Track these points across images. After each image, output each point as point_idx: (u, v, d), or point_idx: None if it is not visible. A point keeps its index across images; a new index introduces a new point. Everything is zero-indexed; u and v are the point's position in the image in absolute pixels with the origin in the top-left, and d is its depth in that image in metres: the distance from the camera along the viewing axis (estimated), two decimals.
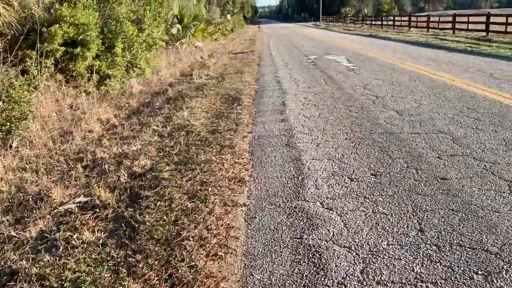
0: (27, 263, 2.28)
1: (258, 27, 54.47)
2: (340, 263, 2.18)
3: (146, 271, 2.16)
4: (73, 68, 7.01)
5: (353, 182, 3.23)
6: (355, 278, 2.06)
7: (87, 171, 3.83)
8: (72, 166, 3.90)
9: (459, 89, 6.64)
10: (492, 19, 18.73)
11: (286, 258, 2.26)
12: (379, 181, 3.23)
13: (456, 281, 1.99)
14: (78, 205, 3.08)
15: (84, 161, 4.07)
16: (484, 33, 19.07)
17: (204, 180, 3.36)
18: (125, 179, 3.54)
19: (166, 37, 15.59)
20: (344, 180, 3.29)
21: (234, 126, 5.24)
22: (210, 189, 3.17)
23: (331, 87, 7.60)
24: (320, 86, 7.76)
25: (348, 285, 2.00)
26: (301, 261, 2.23)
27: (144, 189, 3.26)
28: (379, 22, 38.30)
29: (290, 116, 5.61)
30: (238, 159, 3.91)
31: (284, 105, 6.34)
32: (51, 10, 6.74)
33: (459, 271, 2.06)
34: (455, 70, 8.71)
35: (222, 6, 35.36)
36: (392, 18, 36.86)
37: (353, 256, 2.24)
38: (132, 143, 4.59)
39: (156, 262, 2.24)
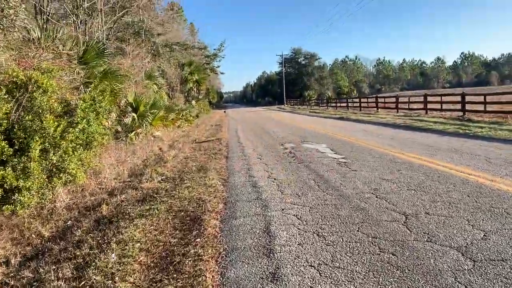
0: None
1: (224, 111, 54.08)
2: None
3: None
4: None
5: None
6: None
7: None
8: None
9: None
10: (467, 98, 18.03)
11: None
12: None
13: None
14: None
15: None
16: (461, 113, 18.26)
17: None
18: None
19: (118, 127, 13.56)
20: None
21: None
22: None
23: (329, 194, 5.52)
24: (314, 193, 5.67)
25: None
26: None
27: None
28: (345, 104, 38.32)
29: (285, 266, 3.35)
30: None
31: (270, 235, 4.11)
32: None
33: None
34: (480, 163, 6.95)
35: (187, 92, 34.42)
36: (357, 99, 36.94)
37: None
38: None
39: None
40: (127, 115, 13.93)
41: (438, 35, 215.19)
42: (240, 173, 7.71)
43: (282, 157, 9.30)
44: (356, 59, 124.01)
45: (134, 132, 13.73)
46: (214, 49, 45.12)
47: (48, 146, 6.72)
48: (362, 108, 32.75)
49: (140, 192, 7.02)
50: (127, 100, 14.31)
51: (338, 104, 39.98)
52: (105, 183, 8.24)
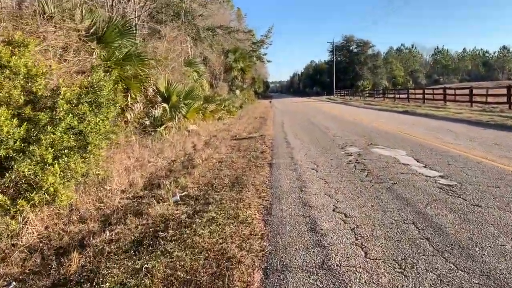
0: None
1: (270, 102, 51.64)
2: None
3: None
4: None
5: None
6: None
7: None
8: None
9: None
10: None
11: None
12: None
13: None
14: None
15: None
16: None
17: None
18: None
19: (145, 120, 11.52)
20: None
21: None
22: None
23: (465, 272, 2.96)
24: (429, 266, 3.12)
25: None
26: None
27: None
28: (404, 95, 34.61)
29: None
30: None
31: None
32: None
33: None
34: None
35: (231, 81, 32.27)
36: (420, 91, 33.14)
37: None
38: None
39: None
40: (156, 106, 11.85)
41: (504, 22, 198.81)
42: (290, 198, 5.26)
43: (348, 170, 6.73)
44: (412, 47, 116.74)
45: (164, 126, 11.62)
46: (261, 36, 42.66)
47: (12, 153, 4.64)
48: (425, 101, 29.10)
49: (144, 223, 4.78)
50: (157, 88, 12.22)
51: (397, 96, 36.29)
52: (109, 198, 6.11)
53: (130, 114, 10.30)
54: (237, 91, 32.91)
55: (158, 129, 11.43)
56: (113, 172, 7.11)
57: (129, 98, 10.17)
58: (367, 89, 48.57)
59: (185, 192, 6.12)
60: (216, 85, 28.81)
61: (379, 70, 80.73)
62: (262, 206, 4.96)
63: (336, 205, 4.75)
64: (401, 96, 36.16)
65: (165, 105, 12.31)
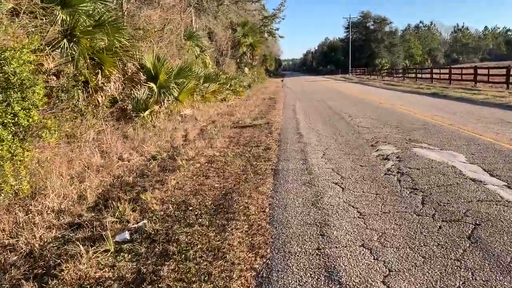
0: None
1: (282, 80, 49.04)
2: None
3: None
4: None
5: None
6: None
7: None
8: None
9: None
10: None
11: None
12: None
13: None
14: None
15: None
16: None
17: None
18: None
19: (126, 104, 9.37)
20: None
21: None
22: None
23: None
24: None
25: None
26: None
27: None
28: (427, 75, 31.82)
29: None
30: None
31: None
32: None
33: None
34: None
35: (239, 58, 29.82)
36: (446, 70, 30.30)
37: None
38: None
39: None
40: (139, 86, 9.67)
41: None
42: (303, 255, 3.07)
43: (390, 189, 4.52)
44: (431, 25, 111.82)
45: (149, 110, 9.47)
46: (273, 9, 39.80)
47: None
48: (451, 81, 26.40)
49: None
50: (142, 64, 10.02)
51: (418, 76, 33.44)
52: (29, 229, 4.06)
53: (102, 97, 8.15)
54: (246, 69, 30.49)
55: (142, 114, 9.29)
56: (54, 181, 5.05)
57: (99, 76, 8.00)
58: (385, 68, 45.55)
59: (142, 223, 4.01)
60: (223, 62, 26.46)
61: (396, 48, 77.00)
62: (253, 274, 2.80)
63: (385, 278, 2.57)
64: (423, 76, 33.35)
65: (151, 84, 10.12)
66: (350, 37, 71.79)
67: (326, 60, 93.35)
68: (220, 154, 7.15)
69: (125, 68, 8.99)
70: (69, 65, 7.54)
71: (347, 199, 4.21)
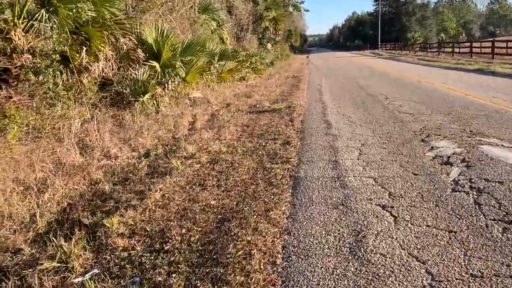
0: None
1: (307, 57, 46.83)
2: None
3: None
4: None
5: None
6: None
7: None
8: None
9: None
10: None
11: None
12: None
13: None
14: None
15: None
16: None
17: None
18: None
19: (121, 87, 7.99)
20: None
21: None
22: None
23: None
24: None
25: None
26: None
27: None
28: (466, 50, 29.20)
29: None
30: None
31: None
32: None
33: None
34: None
35: (261, 34, 27.97)
36: (488, 44, 27.63)
37: None
38: None
39: None
40: (138, 66, 8.25)
41: None
42: None
43: (465, 220, 2.99)
44: None
45: (149, 93, 8.06)
46: None
47: None
48: (494, 56, 23.90)
49: None
50: (141, 40, 8.59)
51: (457, 50, 30.72)
52: None
53: (87, 78, 6.78)
54: (268, 45, 28.64)
55: (141, 98, 7.90)
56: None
57: (83, 54, 6.61)
58: (418, 42, 42.54)
59: (89, 275, 2.64)
60: (243, 38, 24.73)
61: (428, 21, 72.60)
62: None
63: None
64: (461, 50, 30.67)
65: (154, 63, 8.71)
66: (380, 10, 68.09)
67: (354, 35, 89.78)
68: (228, 149, 5.71)
69: (118, 44, 7.55)
70: (48, 41, 6.18)
71: (405, 242, 2.70)
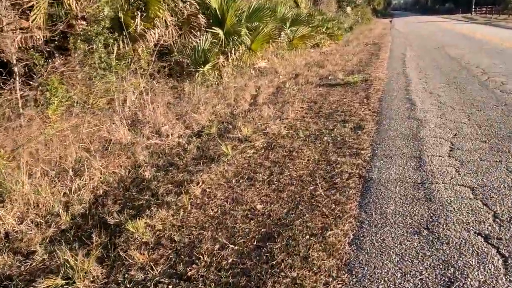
0: None
1: (390, 21, 43.35)
2: None
3: None
4: None
5: None
6: None
7: None
8: None
9: None
10: None
11: None
12: None
13: None
14: None
15: None
16: None
17: None
18: None
19: (181, 57, 7.44)
20: None
21: None
22: None
23: None
24: None
25: None
26: None
27: None
28: None
29: None
30: None
31: None
32: None
33: None
34: None
35: None
36: None
37: None
38: None
39: None
40: (199, 33, 7.63)
41: None
42: None
43: None
44: None
45: (210, 63, 7.47)
46: None
47: None
48: None
49: None
50: (203, 3, 7.93)
51: None
52: None
53: (141, 47, 6.29)
54: (348, 9, 26.65)
55: (201, 68, 7.33)
56: (22, 179, 3.43)
57: (137, 20, 6.10)
58: None
59: None
60: (321, 0, 23.15)
61: None
62: None
63: None
64: None
65: (218, 30, 8.05)
66: None
67: None
68: (288, 132, 4.95)
69: (177, 9, 6.93)
70: (99, 6, 5.73)
71: None
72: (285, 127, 5.23)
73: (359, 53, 13.60)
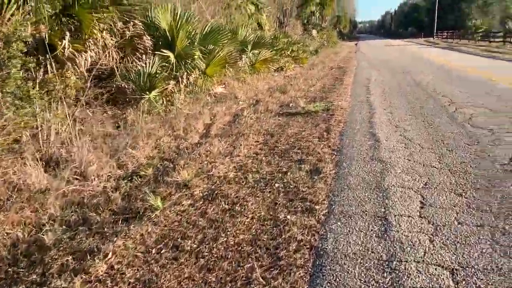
0: None
1: (356, 44, 44.06)
2: None
3: None
4: None
5: None
6: None
7: None
8: None
9: None
10: None
11: None
12: None
13: None
14: None
15: None
16: None
17: None
18: None
19: (123, 83, 6.61)
20: None
21: None
22: None
23: None
24: None
25: None
26: None
27: None
28: None
29: None
30: None
31: None
32: None
33: None
34: None
35: (306, 19, 25.98)
36: None
37: None
38: None
39: None
40: (146, 57, 6.86)
41: None
42: None
43: None
44: None
45: (156, 89, 6.69)
46: None
47: None
48: None
49: None
50: (152, 25, 7.20)
51: None
52: None
53: (71, 71, 5.44)
54: (314, 32, 26.60)
55: (147, 95, 6.55)
56: None
57: (65, 41, 5.27)
58: (480, 31, 38.61)
59: None
60: (286, 23, 22.96)
61: (490, 8, 66.50)
62: None
63: None
64: None
65: (168, 53, 7.32)
66: None
67: (407, 22, 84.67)
68: (236, 175, 4.21)
69: (115, 29, 6.15)
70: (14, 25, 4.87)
71: None
72: (234, 167, 4.50)
73: (324, 77, 13.18)
